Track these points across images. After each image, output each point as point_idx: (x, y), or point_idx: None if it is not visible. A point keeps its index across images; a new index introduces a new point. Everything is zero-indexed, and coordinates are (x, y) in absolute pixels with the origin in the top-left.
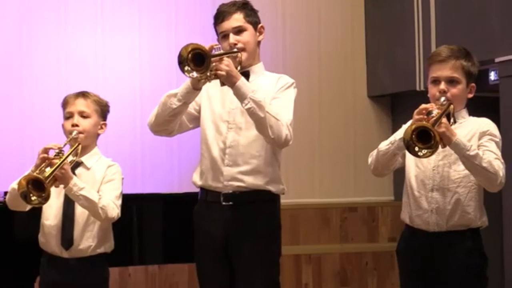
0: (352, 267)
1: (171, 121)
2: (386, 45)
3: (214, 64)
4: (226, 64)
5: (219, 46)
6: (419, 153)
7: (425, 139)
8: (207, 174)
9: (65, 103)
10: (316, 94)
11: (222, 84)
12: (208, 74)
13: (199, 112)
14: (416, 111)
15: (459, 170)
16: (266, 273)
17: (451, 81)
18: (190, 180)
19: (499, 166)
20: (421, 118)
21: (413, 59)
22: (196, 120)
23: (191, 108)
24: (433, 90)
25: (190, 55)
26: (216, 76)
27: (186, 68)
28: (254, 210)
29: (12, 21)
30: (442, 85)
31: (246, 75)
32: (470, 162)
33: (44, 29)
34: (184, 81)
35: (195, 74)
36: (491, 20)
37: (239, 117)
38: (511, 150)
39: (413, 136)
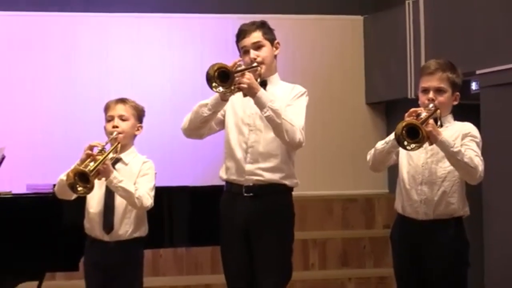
0: (352, 250)
1: (202, 127)
2: (382, 59)
3: (237, 78)
4: (248, 78)
5: (242, 61)
6: (408, 147)
7: (413, 135)
8: (232, 170)
9: (106, 108)
10: (321, 101)
11: (245, 95)
12: (232, 88)
13: (224, 116)
14: (407, 113)
15: (444, 166)
16: (281, 255)
17: (439, 91)
18: (212, 175)
19: (478, 162)
20: (411, 118)
21: (405, 71)
22: (222, 124)
23: (218, 113)
24: (423, 98)
25: (216, 73)
26: (239, 89)
27: (214, 84)
28: (272, 201)
29: (61, 39)
30: (431, 94)
31: (264, 84)
32: (454, 157)
33: (89, 45)
34: (207, 91)
35: (221, 89)
36: (472, 39)
37: (259, 121)
38: (489, 150)
39: (403, 132)
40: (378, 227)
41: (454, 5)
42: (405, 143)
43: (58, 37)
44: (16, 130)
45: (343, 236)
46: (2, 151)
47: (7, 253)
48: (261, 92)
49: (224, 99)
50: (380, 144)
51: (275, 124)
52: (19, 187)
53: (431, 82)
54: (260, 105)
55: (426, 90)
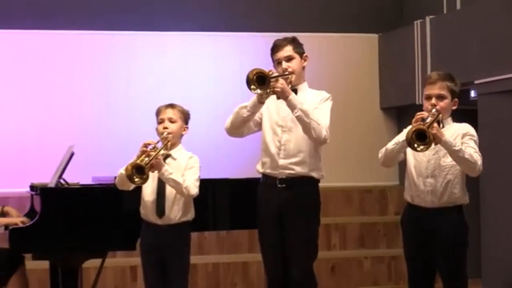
0: (368, 234)
1: (242, 127)
2: (393, 70)
3: (272, 83)
4: (281, 83)
5: (275, 70)
6: (417, 149)
7: (421, 138)
8: (267, 165)
9: (158, 112)
10: (342, 106)
11: (278, 98)
12: (268, 91)
13: (261, 119)
14: (414, 118)
15: (447, 161)
16: (308, 237)
17: (439, 97)
18: (251, 169)
19: (477, 157)
20: (418, 124)
21: (414, 81)
22: (259, 125)
23: (256, 116)
24: (426, 104)
25: (255, 77)
26: (274, 92)
27: (252, 86)
28: (301, 191)
29: (124, 53)
30: (433, 100)
31: (295, 91)
32: (456, 155)
33: (147, 58)
34: (245, 97)
35: (258, 91)
36: (471, 53)
37: (290, 123)
38: (485, 148)
39: (413, 136)
40: (390, 214)
41: (456, 25)
42: (415, 145)
43: (122, 52)
44: (84, 129)
45: (361, 222)
46: (71, 149)
47: (77, 235)
48: (292, 95)
49: (260, 101)
50: (390, 145)
51: (304, 123)
52: (85, 179)
53: (433, 90)
54: (292, 106)
55: (429, 97)
